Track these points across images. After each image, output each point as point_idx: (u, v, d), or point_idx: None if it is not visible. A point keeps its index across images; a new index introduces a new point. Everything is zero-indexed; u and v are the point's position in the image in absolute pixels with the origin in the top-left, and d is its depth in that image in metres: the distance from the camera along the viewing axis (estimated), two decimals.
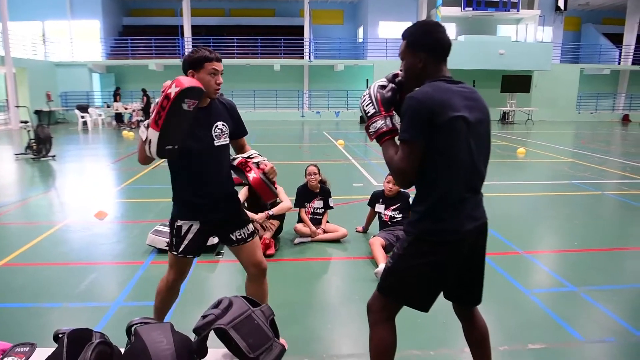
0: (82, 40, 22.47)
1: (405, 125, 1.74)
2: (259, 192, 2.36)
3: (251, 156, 2.39)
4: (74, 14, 22.41)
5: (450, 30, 24.19)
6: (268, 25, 25.06)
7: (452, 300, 2.07)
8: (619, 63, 25.03)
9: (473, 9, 21.63)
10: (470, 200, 1.84)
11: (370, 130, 1.88)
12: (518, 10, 21.90)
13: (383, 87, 1.91)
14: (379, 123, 1.85)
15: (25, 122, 10.51)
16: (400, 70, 1.93)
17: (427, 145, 1.73)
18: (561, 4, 21.82)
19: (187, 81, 2.05)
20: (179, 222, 2.37)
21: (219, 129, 2.34)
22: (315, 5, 24.03)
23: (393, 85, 1.91)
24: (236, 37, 22.93)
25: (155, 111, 2.05)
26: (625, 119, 23.50)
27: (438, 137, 1.71)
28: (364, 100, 1.91)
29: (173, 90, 2.00)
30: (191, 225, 2.36)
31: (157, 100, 2.09)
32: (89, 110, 17.93)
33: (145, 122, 2.15)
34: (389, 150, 1.83)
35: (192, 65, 2.23)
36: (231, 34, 23.57)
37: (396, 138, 1.84)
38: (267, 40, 22.72)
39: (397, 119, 1.89)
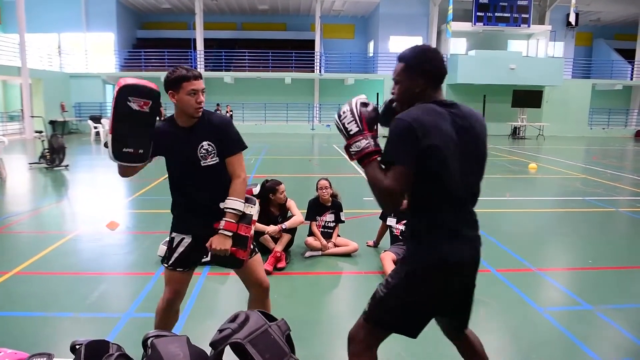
0: (97, 52, 22.91)
1: (394, 147, 1.64)
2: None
3: (227, 209, 2.21)
4: (90, 27, 22.86)
5: (461, 45, 24.29)
6: (279, 39, 25.36)
7: (442, 325, 1.99)
8: (632, 79, 24.92)
9: (484, 24, 21.70)
10: (464, 225, 1.75)
11: (352, 149, 1.73)
12: (529, 26, 21.93)
13: (365, 104, 1.78)
14: (363, 142, 1.71)
15: (40, 132, 10.66)
16: (393, 93, 1.82)
17: (416, 170, 1.63)
18: (572, 19, 21.75)
19: (130, 80, 2.12)
20: (173, 234, 2.39)
21: (204, 149, 2.26)
22: (326, 20, 24.29)
23: (375, 105, 1.80)
24: (248, 50, 23.20)
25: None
26: (638, 135, 23.29)
27: (425, 162, 1.63)
28: (345, 117, 1.76)
29: (114, 90, 2.09)
30: (182, 239, 2.36)
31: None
32: (102, 120, 18.19)
33: None
34: (375, 171, 1.68)
35: (171, 85, 2.21)
36: (243, 47, 23.86)
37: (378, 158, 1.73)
38: (278, 53, 22.97)
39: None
